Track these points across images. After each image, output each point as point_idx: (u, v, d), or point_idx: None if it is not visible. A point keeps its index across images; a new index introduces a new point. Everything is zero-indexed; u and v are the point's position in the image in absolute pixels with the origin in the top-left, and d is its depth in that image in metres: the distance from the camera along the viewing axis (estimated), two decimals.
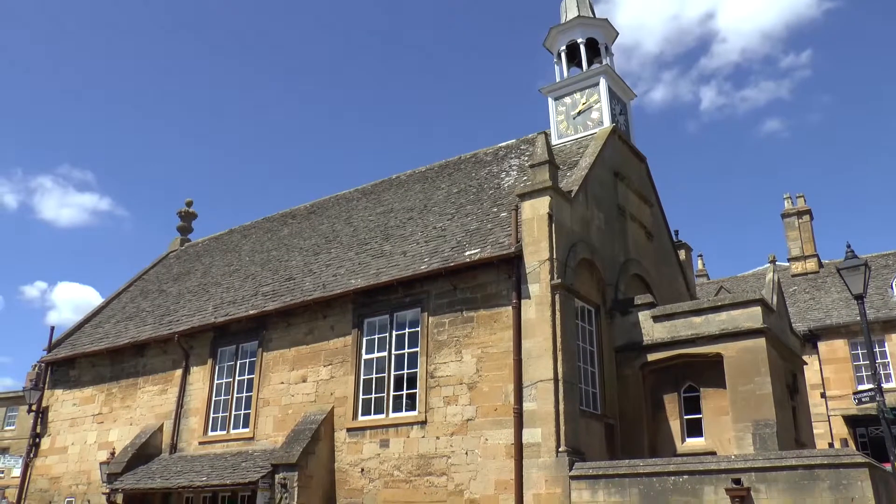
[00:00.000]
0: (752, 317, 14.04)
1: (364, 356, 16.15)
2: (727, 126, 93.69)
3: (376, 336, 16.16)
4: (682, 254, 21.31)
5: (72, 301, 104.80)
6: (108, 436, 20.51)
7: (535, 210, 14.26)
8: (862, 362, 25.77)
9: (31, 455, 22.33)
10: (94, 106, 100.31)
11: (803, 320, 27.08)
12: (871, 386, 16.53)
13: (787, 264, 31.50)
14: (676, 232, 21.37)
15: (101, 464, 19.12)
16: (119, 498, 17.90)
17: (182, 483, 16.61)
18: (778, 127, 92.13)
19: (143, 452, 18.79)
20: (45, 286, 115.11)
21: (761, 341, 13.80)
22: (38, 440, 22.42)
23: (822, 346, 26.73)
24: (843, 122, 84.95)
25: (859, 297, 14.50)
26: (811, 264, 30.97)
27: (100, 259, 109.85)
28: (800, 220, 31.95)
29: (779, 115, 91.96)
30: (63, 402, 22.36)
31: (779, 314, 15.83)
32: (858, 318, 17.70)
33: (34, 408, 22.86)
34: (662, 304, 15.93)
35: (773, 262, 18.58)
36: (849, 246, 14.85)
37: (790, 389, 15.55)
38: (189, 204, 30.13)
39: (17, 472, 39.39)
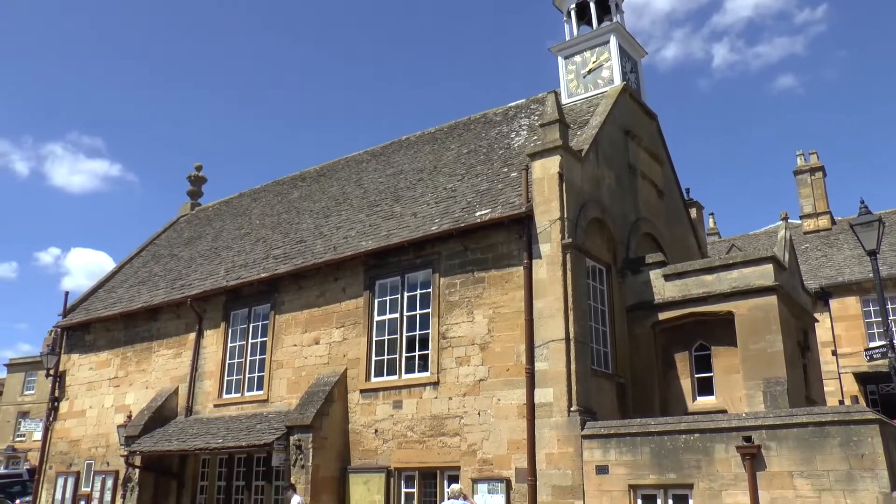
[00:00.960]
0: (763, 275, 13.98)
1: (376, 318, 16.22)
2: (740, 83, 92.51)
3: (388, 297, 16.21)
4: (693, 212, 21.17)
5: (85, 266, 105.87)
6: (124, 399, 20.80)
7: (546, 169, 14.17)
8: (874, 319, 25.66)
9: (51, 419, 22.70)
10: (103, 72, 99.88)
11: (815, 278, 26.92)
12: (882, 343, 16.49)
13: (800, 221, 31.23)
14: (688, 190, 21.22)
15: (118, 427, 19.43)
16: (137, 460, 18.19)
17: (199, 445, 16.87)
18: (792, 83, 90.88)
19: (160, 415, 19.06)
20: (59, 252, 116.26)
21: (773, 299, 13.76)
22: (56, 404, 22.78)
23: (833, 303, 26.60)
24: (860, 77, 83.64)
25: (872, 253, 14.41)
26: (823, 221, 30.68)
27: (111, 225, 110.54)
28: (812, 177, 31.53)
29: (793, 71, 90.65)
30: (80, 367, 22.65)
31: (790, 272, 15.76)
32: (871, 275, 17.65)
33: (52, 372, 23.20)
34: (673, 263, 15.88)
35: (785, 219, 18.49)
36: (862, 201, 14.72)
37: (801, 347, 15.54)
38: (198, 168, 30.08)
39: (38, 435, 40.21)
